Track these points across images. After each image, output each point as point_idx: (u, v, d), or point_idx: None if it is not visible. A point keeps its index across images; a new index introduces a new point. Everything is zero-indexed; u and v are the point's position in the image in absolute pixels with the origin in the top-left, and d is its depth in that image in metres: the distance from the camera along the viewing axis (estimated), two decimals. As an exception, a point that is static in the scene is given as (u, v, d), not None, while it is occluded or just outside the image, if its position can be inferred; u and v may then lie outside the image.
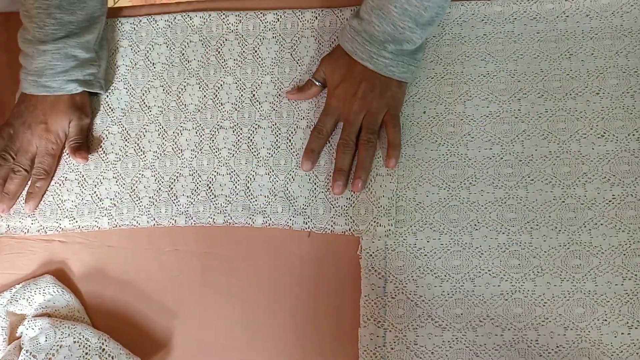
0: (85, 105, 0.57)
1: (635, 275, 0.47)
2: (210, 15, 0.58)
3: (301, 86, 0.55)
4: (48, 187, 0.56)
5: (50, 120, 0.55)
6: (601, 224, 0.48)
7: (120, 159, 0.56)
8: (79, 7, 0.54)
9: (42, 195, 0.56)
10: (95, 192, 0.56)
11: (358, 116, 0.51)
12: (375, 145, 0.51)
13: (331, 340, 0.49)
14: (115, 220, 0.54)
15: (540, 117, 0.51)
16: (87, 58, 0.55)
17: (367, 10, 0.50)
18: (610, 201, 0.49)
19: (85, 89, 0.56)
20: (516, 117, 0.52)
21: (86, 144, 0.56)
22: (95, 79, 0.56)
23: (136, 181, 0.55)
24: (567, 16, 0.53)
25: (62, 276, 0.54)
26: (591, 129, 0.51)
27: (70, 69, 0.54)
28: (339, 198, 0.52)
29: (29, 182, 0.56)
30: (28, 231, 0.56)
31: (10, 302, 0.51)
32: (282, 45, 0.57)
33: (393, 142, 0.51)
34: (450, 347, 0.47)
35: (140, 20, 0.59)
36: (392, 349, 0.48)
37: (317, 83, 0.54)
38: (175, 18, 0.59)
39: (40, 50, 0.53)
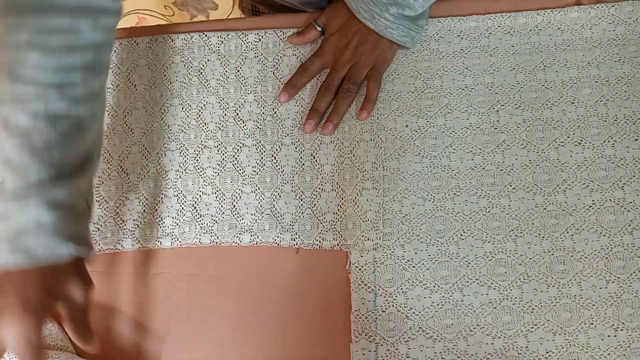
0: None
1: (618, 277, 0.48)
2: (192, 37, 0.59)
3: (301, 30, 0.56)
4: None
5: None
6: (583, 229, 0.49)
7: (103, 182, 0.55)
8: None
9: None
10: (77, 217, 0.55)
11: (345, 65, 0.54)
12: (353, 96, 0.54)
13: (323, 356, 0.49)
14: (99, 244, 0.53)
15: (518, 127, 0.53)
16: None
17: None
18: (590, 207, 0.50)
19: None
20: (495, 128, 0.53)
21: None
22: None
23: (120, 204, 0.55)
24: (540, 29, 0.55)
25: (44, 304, 0.53)
26: (568, 137, 0.52)
27: None
28: (326, 213, 0.52)
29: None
30: (8, 259, 0.54)
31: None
32: (264, 64, 0.57)
33: (370, 96, 0.54)
34: (442, 358, 0.47)
35: (121, 42, 0.59)
36: (384, 363, 0.47)
37: (317, 27, 0.56)
38: (157, 40, 0.59)
39: None
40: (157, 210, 0.54)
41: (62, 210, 0.40)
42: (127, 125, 0.57)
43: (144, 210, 0.54)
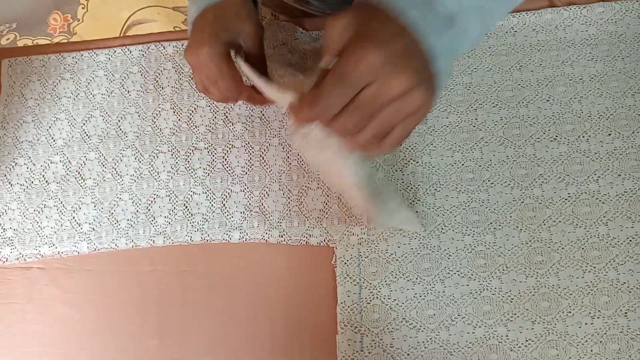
0: None
1: (594, 267, 0.50)
2: (182, 44, 0.61)
3: None
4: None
5: None
6: (559, 221, 0.51)
7: (98, 184, 0.57)
8: None
9: None
10: (74, 218, 0.57)
11: None
12: None
13: (310, 348, 0.50)
14: (94, 244, 0.55)
15: (496, 124, 0.55)
16: None
17: None
18: (566, 199, 0.52)
19: None
20: (474, 126, 0.55)
21: None
22: None
23: (114, 205, 0.57)
24: (516, 31, 0.58)
25: (42, 303, 0.54)
26: (544, 133, 0.54)
27: None
28: (312, 210, 0.54)
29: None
30: (7, 260, 0.56)
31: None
32: (251, 68, 0.60)
33: None
34: (425, 347, 0.49)
35: (115, 51, 0.62)
36: (369, 353, 0.49)
37: None
38: (149, 48, 0.62)
39: None
40: (150, 210, 0.56)
41: None
42: (120, 129, 0.59)
43: (137, 211, 0.56)
